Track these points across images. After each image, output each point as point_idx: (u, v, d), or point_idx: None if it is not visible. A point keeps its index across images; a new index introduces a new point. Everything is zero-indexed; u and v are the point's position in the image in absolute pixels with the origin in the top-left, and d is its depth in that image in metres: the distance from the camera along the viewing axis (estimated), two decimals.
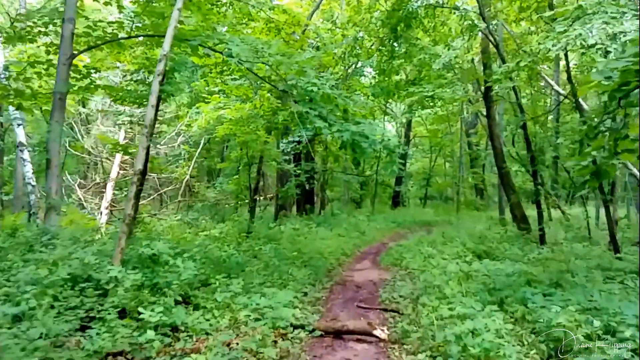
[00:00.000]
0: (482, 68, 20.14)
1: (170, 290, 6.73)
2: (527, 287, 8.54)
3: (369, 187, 32.01)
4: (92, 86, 10.35)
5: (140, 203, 16.55)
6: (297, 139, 18.16)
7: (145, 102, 12.82)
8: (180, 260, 7.56)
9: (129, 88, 13.15)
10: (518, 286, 8.56)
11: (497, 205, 34.19)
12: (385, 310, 7.98)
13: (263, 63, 9.41)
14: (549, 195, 19.28)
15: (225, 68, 13.09)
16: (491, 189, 35.04)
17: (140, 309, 5.93)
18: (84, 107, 18.59)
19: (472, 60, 21.94)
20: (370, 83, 24.22)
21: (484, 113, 23.73)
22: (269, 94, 13.43)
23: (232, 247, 12.75)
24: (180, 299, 6.98)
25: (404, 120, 31.44)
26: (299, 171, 18.68)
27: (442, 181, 35.01)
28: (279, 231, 15.69)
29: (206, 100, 15.59)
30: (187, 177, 17.25)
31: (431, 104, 22.39)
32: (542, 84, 22.89)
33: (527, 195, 38.63)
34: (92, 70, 10.35)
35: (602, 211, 23.37)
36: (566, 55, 13.80)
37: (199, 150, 17.59)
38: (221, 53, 9.07)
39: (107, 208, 16.07)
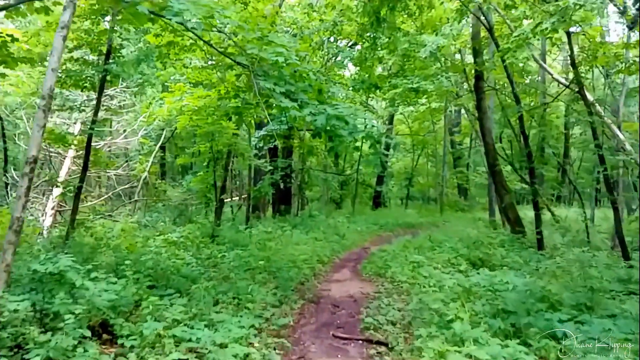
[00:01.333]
0: (471, 58, 18.45)
1: (71, 323, 4.74)
2: (546, 306, 6.76)
3: (349, 187, 30.12)
4: (10, 59, 8.24)
5: (93, 202, 14.44)
6: (269, 132, 16.20)
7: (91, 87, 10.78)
8: (93, 279, 5.54)
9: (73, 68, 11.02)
10: (532, 306, 6.75)
11: (482, 206, 32.77)
12: (370, 341, 6.06)
13: (218, 31, 7.45)
14: (539, 196, 17.54)
15: (181, 46, 11.06)
16: (474, 190, 33.49)
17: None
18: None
19: (460, 51, 20.20)
20: (352, 76, 22.33)
21: (470, 108, 22.14)
22: (237, 77, 11.41)
23: (189, 254, 10.78)
24: (89, 333, 4.99)
25: (386, 117, 29.61)
26: (270, 168, 16.67)
27: (424, 181, 33.26)
28: (248, 235, 13.71)
29: (170, 90, 13.55)
30: (146, 174, 15.16)
31: (414, 99, 20.56)
32: (538, 77, 21.21)
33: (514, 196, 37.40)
34: (9, 40, 8.23)
35: (597, 213, 21.92)
36: (569, 36, 12.06)
37: (159, 144, 15.50)
38: (163, 17, 7.05)
39: (53, 209, 13.93)
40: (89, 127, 10.11)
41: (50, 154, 15.01)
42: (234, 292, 7.30)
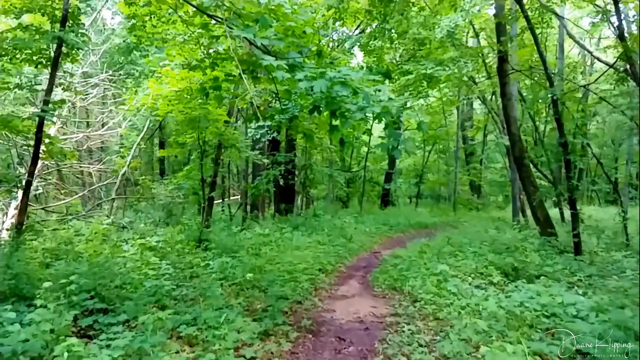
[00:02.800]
0: (486, 44, 16.32)
1: None
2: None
3: (356, 185, 28.03)
4: None
5: (65, 201, 12.46)
6: (269, 123, 14.13)
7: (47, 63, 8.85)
8: None
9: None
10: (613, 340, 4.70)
11: (496, 204, 30.57)
12: None
13: None
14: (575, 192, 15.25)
15: (159, 16, 9.05)
16: (486, 187, 31.31)
17: None
18: None
19: (477, 35, 18.09)
20: (359, 65, 20.22)
21: (487, 96, 19.94)
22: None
23: (167, 263, 8.80)
24: None
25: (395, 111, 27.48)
26: (268, 162, 14.61)
27: (435, 178, 31.07)
28: (242, 238, 11.69)
29: (157, 75, 11.57)
30: (125, 169, 13.14)
31: (426, 89, 18.41)
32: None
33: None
34: None
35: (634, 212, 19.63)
36: (617, 2, 9.94)
37: (141, 135, 13.46)
38: None
39: (16, 209, 11.93)
40: (40, 109, 8.08)
41: (22, 146, 13.02)
42: (201, 323, 5.25)
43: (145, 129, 13.23)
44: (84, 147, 14.79)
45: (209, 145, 11.55)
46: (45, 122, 8.61)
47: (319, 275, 9.28)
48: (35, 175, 11.87)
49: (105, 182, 13.63)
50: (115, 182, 13.32)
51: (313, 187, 27.07)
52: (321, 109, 5.70)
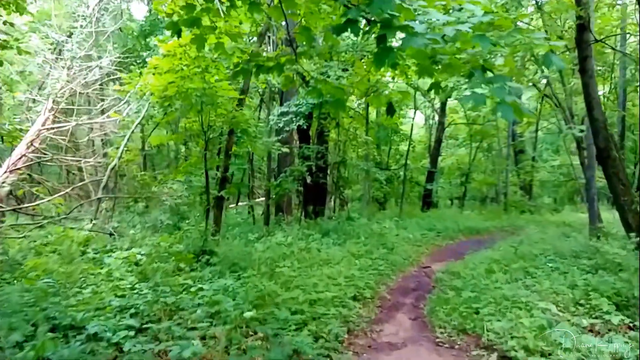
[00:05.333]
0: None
1: None
2: None
3: (394, 185, 25.01)
4: None
5: (43, 201, 10.03)
6: (294, 108, 11.43)
7: None
8: None
9: None
10: None
11: (550, 207, 26.99)
12: None
13: None
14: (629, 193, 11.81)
15: None
16: (537, 189, 27.82)
17: None
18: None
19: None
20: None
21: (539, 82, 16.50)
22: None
23: (147, 287, 6.23)
24: None
25: (437, 104, 24.41)
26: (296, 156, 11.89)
27: (480, 178, 27.70)
28: (257, 249, 9.00)
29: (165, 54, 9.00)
30: (116, 162, 10.57)
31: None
32: None
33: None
34: None
35: None
36: None
37: (137, 122, 10.91)
38: None
39: None
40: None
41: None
42: None
43: (143, 114, 10.75)
44: (86, 139, 12.50)
45: (215, 131, 8.96)
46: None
47: (354, 307, 6.46)
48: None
49: (92, 179, 11.13)
50: (112, 178, 10.83)
51: (347, 187, 24.25)
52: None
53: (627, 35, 15.85)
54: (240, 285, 6.59)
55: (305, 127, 12.68)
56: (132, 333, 4.55)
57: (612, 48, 11.93)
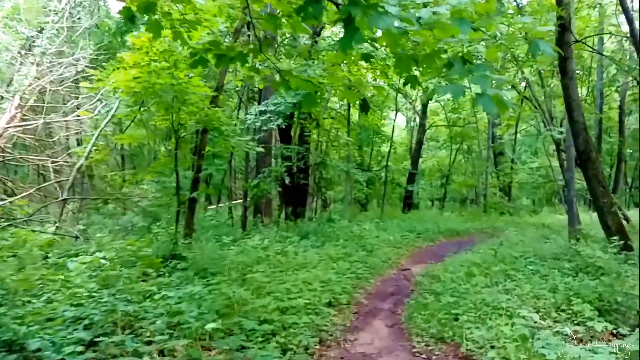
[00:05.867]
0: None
1: None
2: None
3: (376, 186, 24.72)
4: None
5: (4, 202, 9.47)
6: (272, 107, 11.03)
7: None
8: None
9: None
10: None
11: (529, 209, 26.92)
12: None
13: None
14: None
15: None
16: (515, 190, 27.75)
17: None
18: None
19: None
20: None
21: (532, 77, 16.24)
22: None
23: (111, 292, 5.80)
24: None
25: (419, 107, 24.18)
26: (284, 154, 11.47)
27: (460, 180, 27.54)
28: (232, 253, 8.57)
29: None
30: (82, 162, 10.02)
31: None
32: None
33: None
34: None
35: None
36: None
37: (105, 122, 10.31)
38: None
39: None
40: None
41: None
42: None
43: (113, 112, 10.22)
44: (56, 138, 11.92)
45: (186, 130, 8.51)
46: None
47: (328, 314, 6.08)
48: None
49: (58, 180, 10.51)
50: (78, 178, 10.25)
51: (329, 188, 23.89)
52: None
53: (605, 38, 15.74)
54: (208, 293, 6.16)
55: (284, 126, 12.28)
56: (80, 348, 4.10)
57: (592, 49, 11.73)
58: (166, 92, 7.02)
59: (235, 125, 10.80)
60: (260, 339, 4.76)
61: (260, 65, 4.20)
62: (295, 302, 5.98)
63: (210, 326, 4.56)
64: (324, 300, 6.42)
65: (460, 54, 3.27)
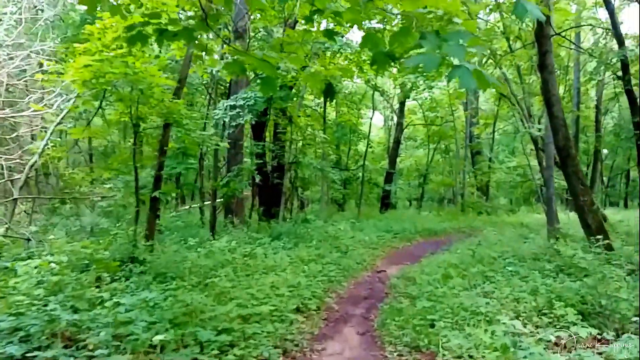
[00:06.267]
0: None
1: None
2: None
3: (353, 186, 24.37)
4: None
5: None
6: (242, 101, 10.51)
7: None
8: None
9: None
10: None
11: (506, 208, 26.83)
12: None
13: None
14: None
15: None
16: (494, 189, 27.69)
17: None
18: None
19: None
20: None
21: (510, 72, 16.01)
22: None
23: (55, 301, 5.25)
24: None
25: (396, 105, 23.88)
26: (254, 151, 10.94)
27: (438, 179, 27.34)
28: (196, 256, 8.03)
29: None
30: (36, 159, 9.31)
31: (441, 69, 14.72)
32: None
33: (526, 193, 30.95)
34: None
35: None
36: None
37: (61, 116, 9.61)
38: None
39: None
40: None
41: None
42: None
43: (69, 106, 9.54)
44: (14, 135, 11.17)
45: (146, 123, 7.95)
46: None
47: (295, 321, 5.60)
48: None
49: (11, 178, 9.74)
50: (28, 177, 9.50)
51: (306, 188, 23.43)
52: None
53: (582, 35, 15.63)
54: (164, 299, 5.64)
55: (254, 122, 11.75)
56: None
57: (572, 42, 11.50)
58: (121, 82, 6.45)
59: (204, 120, 10.21)
60: (216, 352, 4.27)
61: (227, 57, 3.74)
62: (260, 309, 5.49)
63: (158, 338, 4.06)
64: (292, 306, 5.93)
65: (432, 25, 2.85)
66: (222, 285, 6.23)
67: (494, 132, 24.84)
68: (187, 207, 18.59)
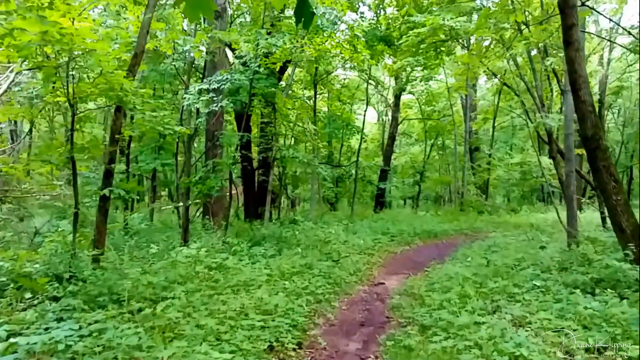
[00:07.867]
0: None
1: None
2: None
3: (346, 184, 22.77)
4: None
5: None
6: (216, 85, 8.86)
7: None
8: None
9: None
10: None
11: (509, 207, 25.29)
12: None
13: None
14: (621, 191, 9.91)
15: None
16: (492, 188, 26.13)
17: None
18: None
19: None
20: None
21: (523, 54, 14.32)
22: None
23: None
24: None
25: (391, 98, 22.27)
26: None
27: (435, 177, 25.76)
28: (150, 269, 6.37)
29: None
30: None
31: (441, 55, 13.20)
32: None
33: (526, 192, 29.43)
34: None
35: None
36: None
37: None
38: None
39: None
40: None
41: None
42: None
43: (5, 86, 7.83)
44: None
45: (85, 102, 6.29)
46: None
47: None
48: None
49: None
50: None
51: (296, 186, 21.81)
52: None
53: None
54: (87, 335, 4.01)
55: (231, 108, 10.09)
56: None
57: (604, 16, 9.94)
58: (35, 44, 4.75)
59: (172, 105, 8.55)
60: None
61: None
62: (217, 352, 3.87)
63: None
64: (262, 344, 4.31)
65: None
66: (171, 315, 4.59)
67: (493, 127, 23.28)
68: (158, 206, 16.94)
